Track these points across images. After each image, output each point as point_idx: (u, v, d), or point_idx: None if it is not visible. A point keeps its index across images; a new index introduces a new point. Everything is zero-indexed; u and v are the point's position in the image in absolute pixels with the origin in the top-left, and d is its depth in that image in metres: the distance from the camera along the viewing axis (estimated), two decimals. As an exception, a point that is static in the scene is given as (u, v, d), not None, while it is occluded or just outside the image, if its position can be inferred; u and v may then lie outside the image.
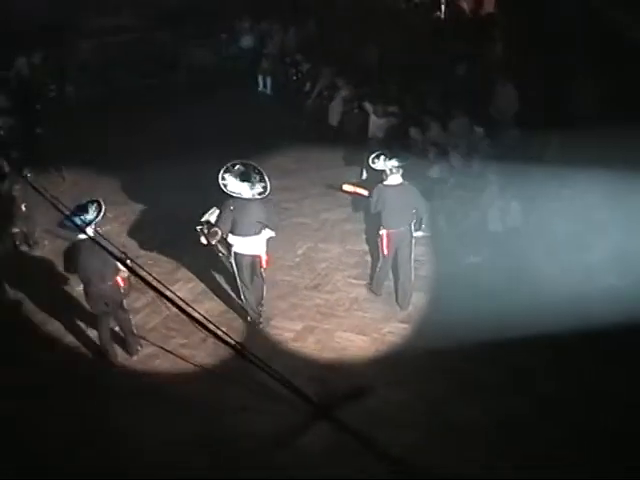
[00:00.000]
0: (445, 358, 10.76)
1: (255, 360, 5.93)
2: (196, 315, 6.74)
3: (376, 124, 16.58)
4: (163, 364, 11.35)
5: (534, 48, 16.30)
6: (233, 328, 11.82)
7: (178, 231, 14.21)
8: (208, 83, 22.61)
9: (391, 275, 12.74)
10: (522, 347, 10.63)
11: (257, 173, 11.91)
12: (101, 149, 17.99)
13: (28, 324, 12.39)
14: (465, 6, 22.35)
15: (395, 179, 12.20)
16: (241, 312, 12.19)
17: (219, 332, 6.33)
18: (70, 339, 11.98)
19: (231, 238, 11.79)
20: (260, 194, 11.76)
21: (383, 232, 12.32)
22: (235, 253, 11.89)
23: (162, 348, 11.64)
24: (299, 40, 22.94)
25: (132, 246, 13.85)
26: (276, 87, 22.25)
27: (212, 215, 12.17)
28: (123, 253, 9.43)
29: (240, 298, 12.15)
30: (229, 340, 6.27)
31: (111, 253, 8.37)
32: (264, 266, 12.07)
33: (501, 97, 15.98)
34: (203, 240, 12.00)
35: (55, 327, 12.24)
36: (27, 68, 22.84)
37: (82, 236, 10.88)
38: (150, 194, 16.03)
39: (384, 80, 18.31)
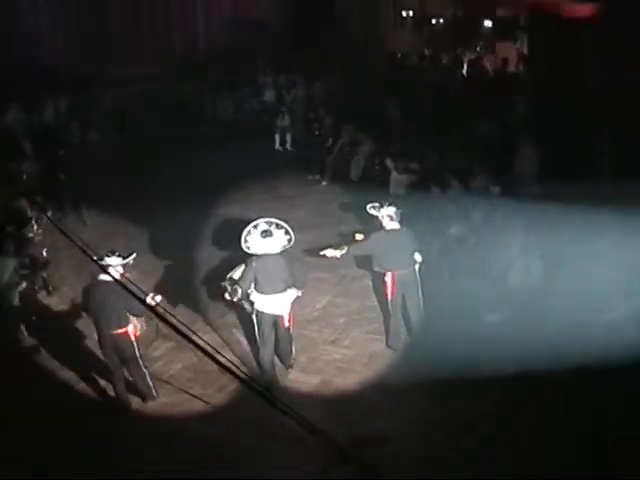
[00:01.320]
0: (460, 412, 10.81)
1: (282, 406, 5.93)
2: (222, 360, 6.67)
3: (397, 180, 16.63)
4: (181, 412, 11.28)
5: (556, 107, 16.33)
6: (249, 380, 11.79)
7: (197, 281, 14.31)
8: (230, 135, 22.78)
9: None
10: (539, 402, 10.73)
11: (280, 228, 11.80)
12: (122, 195, 18.13)
13: (42, 370, 12.33)
14: (488, 65, 22.54)
15: (394, 225, 12.40)
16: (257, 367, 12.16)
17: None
18: (83, 386, 11.92)
19: (254, 296, 11.65)
20: (283, 247, 11.66)
21: (388, 275, 12.45)
22: (257, 311, 11.75)
23: (185, 392, 11.64)
24: (322, 95, 23.10)
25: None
26: (297, 142, 22.34)
27: (236, 272, 12.09)
28: (152, 299, 9.33)
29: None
30: (255, 386, 6.23)
31: (137, 296, 8.34)
32: (286, 325, 11.83)
33: (522, 155, 15.99)
34: (227, 296, 11.97)
35: (69, 375, 12.17)
36: (52, 113, 23.11)
37: (104, 277, 10.92)
38: (170, 242, 16.13)
39: (406, 137, 18.35)
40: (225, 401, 11.44)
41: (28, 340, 13.10)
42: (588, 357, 10.71)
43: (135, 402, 11.45)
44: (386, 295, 12.66)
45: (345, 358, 12.45)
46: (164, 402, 11.50)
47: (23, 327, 13.19)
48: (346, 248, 12.79)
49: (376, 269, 12.73)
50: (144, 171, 20.02)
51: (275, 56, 26.82)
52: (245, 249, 11.66)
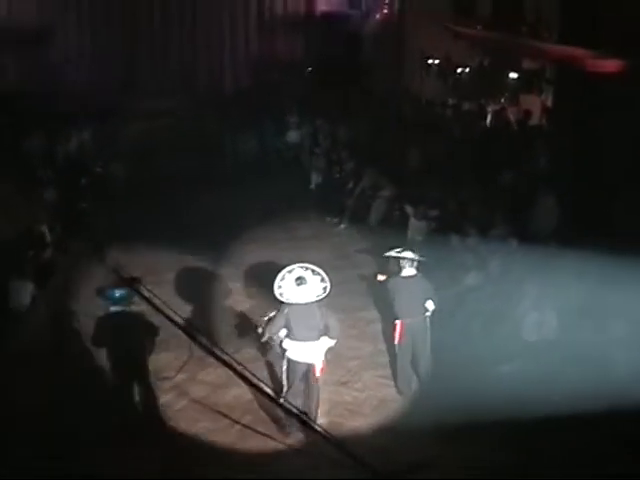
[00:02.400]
0: (469, 460, 10.87)
1: (320, 430, 6.04)
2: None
3: (415, 227, 16.66)
4: (190, 447, 11.32)
5: (578, 162, 16.38)
6: (260, 417, 11.87)
7: (212, 316, 14.36)
8: (250, 173, 22.89)
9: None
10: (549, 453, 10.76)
11: (316, 274, 11.49)
12: (141, 228, 18.24)
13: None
14: (511, 117, 22.62)
15: (410, 271, 12.47)
16: (267, 402, 12.14)
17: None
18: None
19: (286, 343, 11.39)
20: (318, 296, 11.33)
21: (397, 322, 12.53)
22: (288, 359, 11.48)
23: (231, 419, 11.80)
24: (345, 138, 23.21)
25: (165, 327, 13.93)
26: (318, 184, 22.44)
27: (272, 314, 11.88)
28: (187, 322, 9.30)
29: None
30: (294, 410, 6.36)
31: (171, 319, 8.40)
32: (317, 375, 11.59)
33: (542, 208, 16.02)
34: (265, 339, 11.94)
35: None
36: (76, 143, 23.30)
37: (115, 308, 11.05)
38: (187, 277, 16.20)
39: (426, 184, 18.41)
40: (234, 438, 11.50)
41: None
42: (600, 410, 10.74)
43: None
44: (394, 338, 12.73)
45: (356, 401, 12.49)
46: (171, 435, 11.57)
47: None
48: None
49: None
50: (163, 206, 20.16)
51: (299, 97, 26.99)
52: (278, 296, 11.34)
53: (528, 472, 10.66)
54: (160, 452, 11.07)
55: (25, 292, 14.12)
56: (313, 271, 11.48)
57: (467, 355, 13.34)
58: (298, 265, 11.56)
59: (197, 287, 16.01)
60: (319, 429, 6.01)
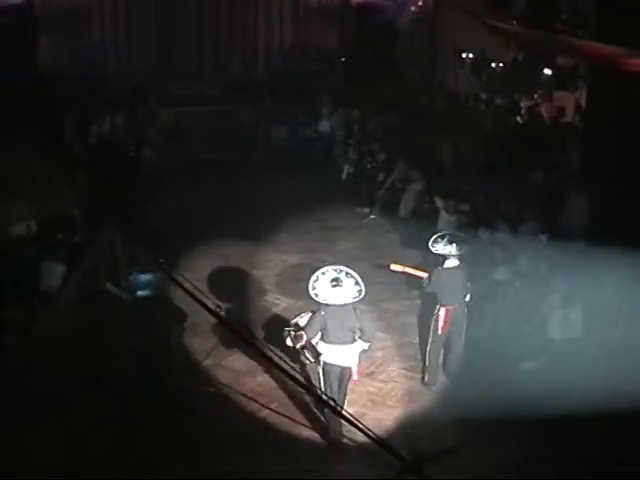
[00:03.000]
0: (490, 456, 10.86)
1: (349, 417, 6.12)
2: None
3: (445, 220, 16.62)
4: (215, 433, 11.38)
5: (612, 162, 16.29)
6: (284, 404, 11.97)
7: (238, 303, 14.47)
8: (281, 162, 22.92)
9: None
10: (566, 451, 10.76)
11: (349, 277, 11.26)
12: (171, 213, 18.37)
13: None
14: (544, 113, 22.55)
15: (452, 262, 12.60)
16: (292, 389, 12.24)
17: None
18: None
19: (321, 346, 11.25)
20: (354, 298, 11.13)
21: (441, 310, 12.60)
22: (324, 363, 11.28)
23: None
24: (377, 130, 23.20)
25: (193, 311, 14.08)
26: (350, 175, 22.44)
27: (303, 318, 11.79)
28: (217, 307, 9.32)
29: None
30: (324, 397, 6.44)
31: (204, 304, 8.47)
32: (354, 378, 11.52)
33: (573, 207, 15.98)
34: (289, 342, 11.67)
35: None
36: (109, 127, 23.43)
37: (142, 293, 11.16)
38: (217, 263, 16.33)
39: (458, 178, 18.40)
40: (258, 428, 11.61)
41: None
42: (624, 409, 10.75)
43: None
44: (436, 329, 12.73)
45: (380, 392, 12.56)
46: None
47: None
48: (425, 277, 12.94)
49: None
50: (194, 192, 20.24)
51: (332, 87, 26.97)
52: (313, 297, 11.19)
53: (549, 468, 10.68)
54: (184, 437, 11.18)
55: (56, 274, 14.24)
56: (347, 273, 11.30)
57: (492, 350, 13.39)
58: (332, 267, 11.43)
59: (226, 273, 16.12)
60: (349, 417, 6.08)
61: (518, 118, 23.19)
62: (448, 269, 12.65)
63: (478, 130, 21.71)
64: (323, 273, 11.26)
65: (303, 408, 11.92)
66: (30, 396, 11.62)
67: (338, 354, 11.19)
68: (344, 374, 11.34)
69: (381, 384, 12.75)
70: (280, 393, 12.29)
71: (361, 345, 11.35)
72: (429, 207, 17.75)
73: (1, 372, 11.99)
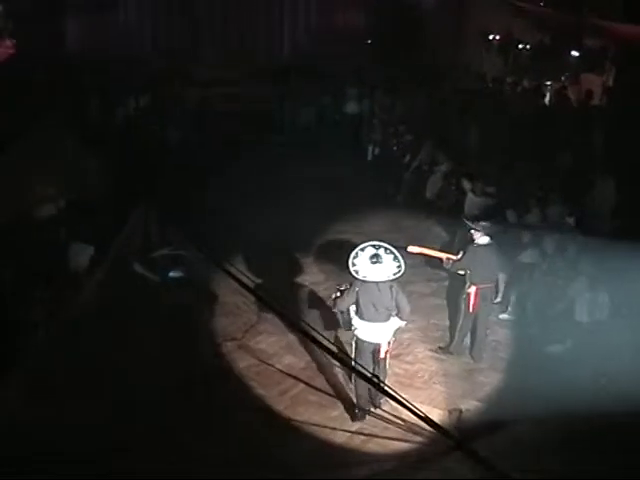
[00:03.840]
0: (516, 437, 10.82)
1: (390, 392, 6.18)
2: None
3: (472, 202, 16.57)
4: (241, 413, 11.42)
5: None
6: (312, 386, 12.02)
7: (266, 284, 14.51)
8: (308, 144, 22.94)
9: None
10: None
11: (388, 253, 11.26)
12: (198, 194, 18.46)
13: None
14: (571, 95, 22.46)
15: (485, 239, 12.62)
16: (323, 370, 12.36)
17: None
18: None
19: (355, 321, 11.28)
20: (394, 274, 11.16)
21: (472, 289, 12.67)
22: (357, 338, 11.35)
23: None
24: (403, 111, 23.18)
25: (221, 294, 14.21)
26: (376, 156, 22.44)
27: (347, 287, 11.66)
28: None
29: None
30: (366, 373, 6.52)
31: (245, 285, 8.53)
32: (382, 356, 11.47)
33: (601, 190, 15.95)
34: (330, 303, 11.94)
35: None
36: (134, 108, 23.51)
37: (174, 274, 11.26)
38: (239, 244, 16.38)
39: (485, 160, 18.37)
40: (283, 406, 11.64)
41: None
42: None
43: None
44: (467, 307, 12.81)
45: (407, 373, 12.59)
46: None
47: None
48: (452, 259, 12.96)
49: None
50: (221, 173, 20.28)
51: (359, 68, 26.93)
52: (353, 273, 11.14)
53: (572, 452, 10.69)
54: (211, 418, 11.22)
55: (84, 255, 14.32)
56: (386, 249, 11.29)
57: (518, 332, 13.44)
58: (370, 243, 11.40)
59: (256, 252, 16.17)
60: (392, 392, 6.19)
61: (545, 100, 23.12)
62: (481, 246, 12.67)
63: (505, 112, 21.66)
64: (362, 249, 11.27)
65: (331, 389, 11.98)
66: (56, 375, 11.71)
67: (371, 331, 11.22)
68: (376, 351, 11.37)
69: (408, 366, 12.78)
70: (308, 374, 12.34)
71: (396, 323, 11.39)
72: (455, 189, 17.71)
73: (28, 352, 12.09)
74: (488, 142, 19.74)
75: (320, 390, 11.93)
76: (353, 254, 11.21)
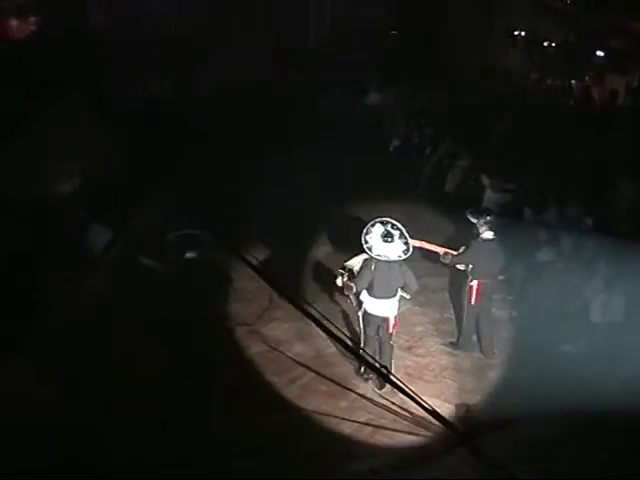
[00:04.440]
0: (524, 435, 10.80)
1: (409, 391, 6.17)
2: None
3: (491, 198, 16.54)
4: (250, 400, 11.43)
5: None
6: (322, 374, 12.03)
7: (280, 270, 14.44)
8: (329, 134, 22.86)
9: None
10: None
11: (396, 229, 11.77)
12: (219, 178, 18.41)
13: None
14: (595, 95, 22.36)
15: (489, 234, 12.57)
16: (333, 359, 12.33)
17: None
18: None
19: (364, 296, 11.74)
20: (404, 252, 11.62)
21: (474, 282, 12.71)
22: (365, 311, 11.83)
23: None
24: (425, 104, 23.11)
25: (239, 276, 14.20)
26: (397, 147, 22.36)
27: (354, 260, 12.23)
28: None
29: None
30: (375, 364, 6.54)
31: (259, 271, 8.53)
32: (390, 330, 11.90)
33: (620, 191, 15.86)
34: (339, 282, 12.29)
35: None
36: (157, 92, 23.49)
37: (191, 254, 11.29)
38: (260, 229, 16.37)
39: (505, 157, 18.29)
40: (293, 394, 11.65)
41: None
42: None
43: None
44: (470, 301, 12.82)
45: (417, 366, 12.59)
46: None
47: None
48: (450, 255, 13.02)
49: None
50: (240, 160, 20.24)
51: (382, 60, 26.84)
52: (367, 251, 11.58)
53: (582, 451, 10.67)
54: (221, 405, 11.24)
55: (101, 237, 14.30)
56: (393, 225, 11.80)
57: (532, 330, 13.38)
58: (379, 220, 11.80)
59: (272, 241, 16.17)
60: (401, 385, 6.21)
61: (568, 99, 23.03)
62: (486, 241, 12.64)
63: (527, 109, 21.57)
64: (372, 225, 11.73)
65: (341, 379, 11.97)
66: (69, 359, 11.73)
67: (380, 306, 11.72)
68: (382, 323, 11.86)
69: (419, 358, 12.79)
70: (318, 362, 12.36)
71: (401, 296, 11.89)
72: (475, 184, 17.64)
73: (43, 333, 12.10)
74: (509, 138, 19.64)
75: (330, 379, 11.93)
76: (365, 231, 11.65)
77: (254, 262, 9.41)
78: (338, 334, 7.39)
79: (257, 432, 10.58)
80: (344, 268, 12.37)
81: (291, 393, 11.64)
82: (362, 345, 11.95)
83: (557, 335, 13.10)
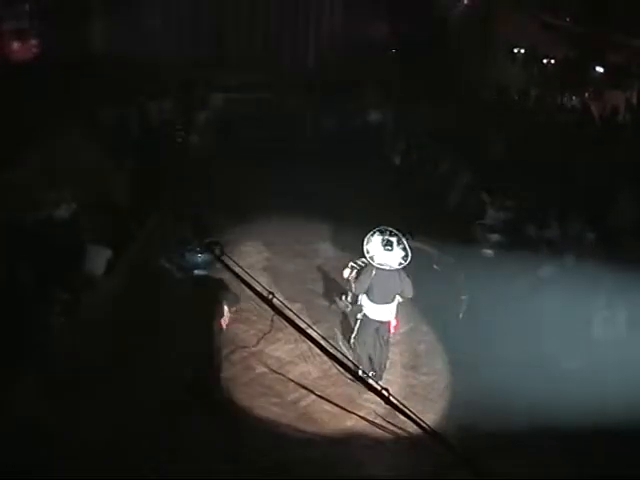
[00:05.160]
0: (527, 456, 10.83)
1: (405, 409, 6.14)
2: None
3: (491, 216, 16.57)
4: (253, 421, 11.46)
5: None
6: (326, 395, 11.99)
7: (286, 292, 14.48)
8: (328, 152, 22.87)
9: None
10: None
11: (394, 236, 12.04)
12: (220, 197, 18.44)
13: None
14: (595, 111, 22.37)
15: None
16: (337, 380, 12.29)
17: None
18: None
19: (364, 301, 12.14)
20: (404, 259, 11.94)
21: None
22: (364, 315, 12.21)
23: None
24: (425, 122, 23.15)
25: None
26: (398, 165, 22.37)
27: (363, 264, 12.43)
28: (270, 293, 9.38)
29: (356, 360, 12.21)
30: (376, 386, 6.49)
31: (256, 290, 8.51)
32: (392, 332, 12.40)
33: (621, 207, 15.87)
34: (345, 274, 12.66)
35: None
36: (156, 112, 23.54)
37: (199, 272, 11.33)
38: (261, 248, 16.42)
39: (506, 173, 18.30)
40: (296, 414, 11.65)
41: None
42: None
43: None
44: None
45: (422, 384, 12.58)
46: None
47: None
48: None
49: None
50: (242, 178, 20.28)
51: (382, 78, 26.89)
52: (369, 260, 11.98)
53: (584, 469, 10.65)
54: (222, 424, 11.20)
55: (101, 258, 14.32)
56: (391, 232, 12.10)
57: (534, 347, 13.34)
58: (377, 229, 12.14)
59: (273, 259, 16.23)
60: (403, 408, 6.20)
61: (568, 115, 23.03)
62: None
63: (527, 126, 21.59)
64: (372, 234, 12.12)
65: (345, 400, 11.93)
66: (71, 376, 11.71)
67: (379, 311, 12.13)
68: (382, 327, 12.23)
69: (423, 377, 12.77)
70: (322, 383, 12.33)
71: (399, 300, 12.26)
72: (476, 201, 17.62)
73: (45, 352, 12.09)
74: (510, 155, 19.65)
75: (332, 402, 11.90)
76: (366, 241, 12.05)
77: (255, 283, 9.36)
78: (339, 355, 7.36)
79: (258, 452, 10.63)
80: (356, 263, 12.63)
81: (294, 414, 11.62)
82: (352, 337, 12.46)
83: (560, 352, 13.06)
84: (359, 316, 12.33)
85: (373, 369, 12.28)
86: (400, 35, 29.74)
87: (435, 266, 13.77)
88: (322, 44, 30.23)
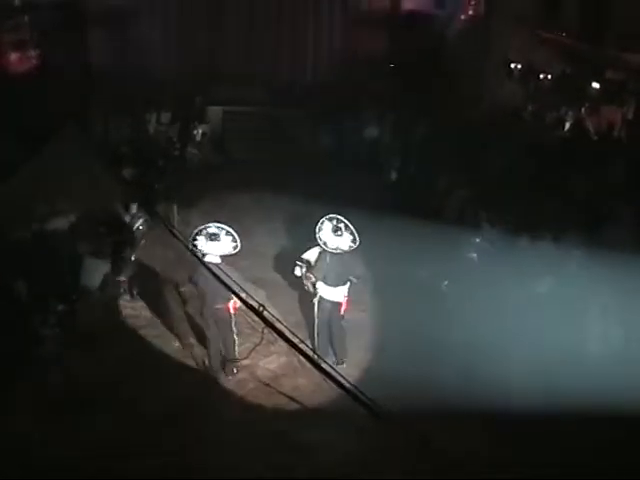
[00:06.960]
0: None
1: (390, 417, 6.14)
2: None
3: (487, 230, 16.55)
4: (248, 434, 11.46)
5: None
6: (320, 407, 12.02)
7: (280, 304, 14.51)
8: (326, 167, 22.90)
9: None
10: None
11: (341, 223, 13.19)
12: (217, 211, 18.42)
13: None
14: (590, 127, 22.39)
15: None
16: (330, 393, 12.23)
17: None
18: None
19: (319, 284, 13.32)
20: (353, 242, 13.13)
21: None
22: (320, 297, 13.38)
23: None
24: (422, 137, 23.18)
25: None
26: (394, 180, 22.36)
27: (309, 253, 13.64)
28: (261, 306, 9.44)
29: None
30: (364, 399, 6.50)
31: (245, 302, 8.55)
32: (342, 312, 13.41)
33: (617, 221, 15.88)
34: (297, 272, 13.60)
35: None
36: (153, 125, 23.60)
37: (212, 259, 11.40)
38: (258, 262, 16.51)
39: (502, 188, 18.31)
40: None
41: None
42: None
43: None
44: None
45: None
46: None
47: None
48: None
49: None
50: (238, 192, 20.30)
51: (380, 93, 26.92)
52: (322, 245, 13.21)
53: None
54: (216, 434, 11.37)
55: (97, 272, 14.35)
56: (339, 220, 13.25)
57: (528, 360, 13.31)
58: (326, 217, 13.34)
59: (266, 272, 16.39)
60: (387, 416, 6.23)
61: (564, 131, 23.06)
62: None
63: (523, 141, 21.60)
64: (322, 223, 13.32)
65: (339, 412, 11.86)
66: (67, 387, 11.72)
67: (332, 292, 13.32)
68: (335, 307, 13.39)
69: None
70: (317, 396, 12.32)
71: (350, 281, 13.37)
72: (472, 216, 17.62)
73: (40, 364, 12.10)
74: (506, 170, 19.65)
75: (326, 412, 11.94)
76: (317, 229, 13.29)
77: (247, 296, 9.40)
78: (328, 369, 7.37)
79: (255, 466, 10.68)
80: (302, 260, 13.63)
81: (290, 425, 11.67)
82: (315, 325, 13.53)
83: (554, 366, 13.02)
84: (315, 300, 13.43)
85: (334, 352, 13.54)
86: (398, 51, 29.82)
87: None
88: (320, 59, 30.30)
